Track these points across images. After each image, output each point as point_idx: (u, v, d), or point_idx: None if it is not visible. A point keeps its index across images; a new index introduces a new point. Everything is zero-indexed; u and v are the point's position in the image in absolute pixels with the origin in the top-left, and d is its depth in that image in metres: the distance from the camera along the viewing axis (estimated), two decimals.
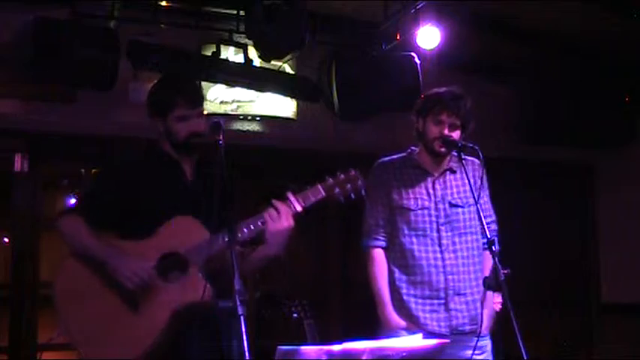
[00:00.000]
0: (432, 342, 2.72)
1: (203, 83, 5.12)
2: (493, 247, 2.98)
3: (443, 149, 3.43)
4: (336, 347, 2.29)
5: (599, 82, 5.79)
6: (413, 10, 4.70)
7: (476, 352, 3.31)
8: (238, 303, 2.43)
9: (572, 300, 6.75)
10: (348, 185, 2.94)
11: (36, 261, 5.10)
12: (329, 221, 5.90)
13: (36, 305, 5.07)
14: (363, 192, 2.99)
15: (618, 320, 6.42)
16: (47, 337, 5.09)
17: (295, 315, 4.40)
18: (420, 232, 3.45)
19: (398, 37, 4.95)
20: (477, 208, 3.16)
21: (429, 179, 3.51)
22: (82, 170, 5.48)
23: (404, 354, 2.40)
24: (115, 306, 2.85)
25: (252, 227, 2.87)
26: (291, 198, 2.91)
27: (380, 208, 3.52)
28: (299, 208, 2.89)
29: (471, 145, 3.32)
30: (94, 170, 5.45)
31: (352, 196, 2.97)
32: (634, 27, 5.14)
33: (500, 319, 3.43)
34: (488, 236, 3.03)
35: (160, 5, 4.77)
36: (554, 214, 6.65)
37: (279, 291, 6.04)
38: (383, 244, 3.53)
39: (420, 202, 3.47)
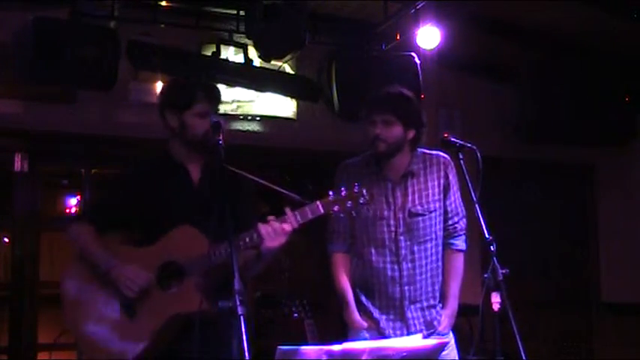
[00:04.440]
0: (432, 342, 2.72)
1: None
2: (491, 248, 2.97)
3: (380, 150, 3.36)
4: (336, 347, 2.29)
5: (599, 82, 5.79)
6: (413, 10, 4.70)
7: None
8: (238, 303, 2.43)
9: (572, 300, 6.75)
10: (349, 203, 2.93)
11: (36, 261, 5.10)
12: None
13: (36, 305, 5.07)
14: (365, 209, 3.01)
15: (618, 320, 6.42)
16: (47, 337, 5.11)
17: (295, 315, 4.40)
18: (378, 243, 3.39)
19: (398, 37, 4.95)
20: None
21: (389, 185, 3.42)
22: (82, 170, 5.48)
23: (404, 354, 2.40)
24: (114, 310, 2.96)
25: (247, 241, 2.90)
26: (289, 214, 2.92)
27: (341, 215, 3.48)
28: (295, 226, 2.91)
29: (469, 145, 3.31)
30: (94, 171, 5.45)
31: (354, 213, 2.99)
32: (634, 27, 5.15)
33: (500, 319, 3.43)
34: (487, 236, 3.02)
35: (160, 5, 4.78)
36: (554, 214, 6.65)
37: (279, 291, 6.04)
38: (343, 247, 3.50)
39: (378, 212, 3.39)
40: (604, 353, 6.48)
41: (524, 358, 2.78)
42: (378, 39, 5.09)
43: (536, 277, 6.38)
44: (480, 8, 5.09)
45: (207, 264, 2.80)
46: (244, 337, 2.38)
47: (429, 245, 3.41)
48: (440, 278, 3.45)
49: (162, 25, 4.76)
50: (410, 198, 3.40)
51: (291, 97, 5.44)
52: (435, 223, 3.43)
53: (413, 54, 4.94)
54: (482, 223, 3.08)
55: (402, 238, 3.39)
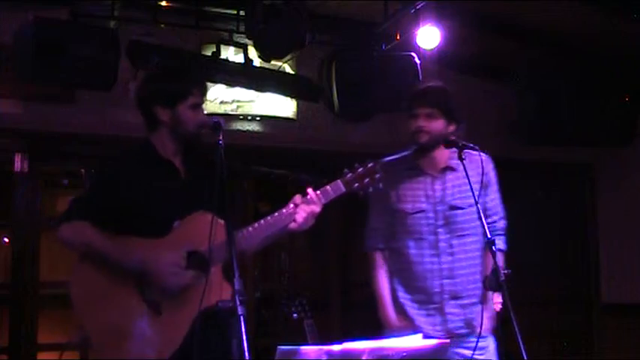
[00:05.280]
0: (432, 342, 2.72)
1: None
2: (493, 247, 2.97)
3: (422, 140, 3.40)
4: (336, 347, 2.29)
5: (599, 82, 5.79)
6: (413, 10, 4.69)
7: (476, 352, 3.30)
8: (238, 303, 2.43)
9: (572, 300, 6.75)
10: (367, 179, 2.97)
11: (36, 261, 5.10)
12: (329, 221, 5.91)
13: (36, 305, 5.07)
14: (380, 185, 3.00)
15: (618, 320, 6.42)
16: (47, 337, 5.11)
17: (295, 315, 4.40)
18: (416, 236, 3.42)
19: (398, 37, 4.95)
20: (477, 208, 3.14)
21: (428, 180, 3.47)
22: (82, 170, 5.48)
23: (404, 354, 2.40)
24: (137, 309, 2.81)
25: (274, 224, 2.90)
26: (312, 194, 2.93)
27: (379, 211, 3.51)
28: (319, 208, 2.93)
29: (471, 145, 3.32)
30: (93, 170, 5.45)
31: (370, 189, 2.99)
32: (634, 27, 5.14)
33: (500, 319, 3.43)
34: (489, 236, 3.02)
35: (160, 5, 4.77)
36: (554, 214, 6.65)
37: (279, 291, 6.04)
38: (382, 245, 3.53)
39: (416, 205, 3.43)
40: (604, 353, 6.48)
41: (525, 357, 2.78)
42: (378, 39, 5.09)
43: (536, 277, 6.37)
44: (480, 8, 5.09)
45: (230, 251, 2.63)
46: (244, 337, 2.38)
47: (468, 240, 3.40)
48: (481, 277, 3.41)
49: (163, 25, 4.75)
50: (449, 192, 3.41)
51: (291, 97, 5.43)
52: (475, 218, 3.39)
53: (413, 54, 4.94)
54: (484, 223, 3.09)
55: (440, 230, 3.40)
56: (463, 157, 3.27)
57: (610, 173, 6.64)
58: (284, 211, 2.93)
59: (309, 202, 2.93)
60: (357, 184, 2.96)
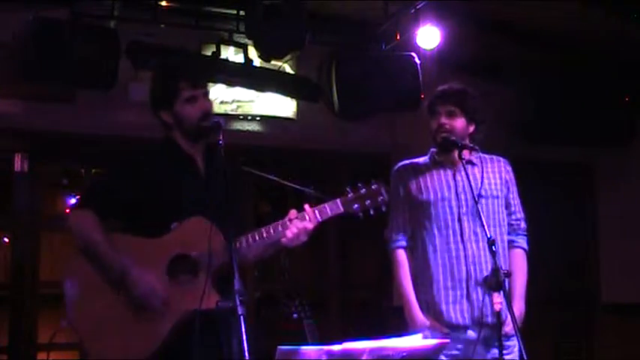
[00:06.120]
0: (432, 342, 2.72)
1: None
2: (493, 247, 2.97)
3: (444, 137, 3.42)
4: (336, 347, 2.29)
5: (599, 82, 5.79)
6: (413, 10, 4.70)
7: (503, 351, 3.28)
8: (238, 303, 2.43)
9: (572, 300, 6.75)
10: (368, 201, 2.91)
11: (36, 261, 5.10)
12: (328, 221, 5.90)
13: (36, 305, 5.07)
14: (383, 208, 2.95)
15: (618, 320, 6.42)
16: (47, 337, 5.11)
17: (295, 315, 4.40)
18: (441, 224, 3.42)
19: (398, 37, 4.95)
20: (476, 208, 3.14)
21: (449, 171, 3.48)
22: (82, 170, 5.48)
23: (404, 354, 2.39)
24: (122, 307, 2.83)
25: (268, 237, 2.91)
26: (309, 211, 2.92)
27: (401, 209, 3.52)
28: (315, 223, 2.92)
29: (470, 145, 3.32)
30: (94, 171, 5.45)
31: (371, 212, 2.93)
32: (634, 27, 5.15)
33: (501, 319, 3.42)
34: (488, 235, 3.02)
35: (160, 5, 4.77)
36: (554, 214, 6.64)
37: (279, 291, 6.04)
38: (404, 244, 3.54)
39: (439, 194, 3.44)
40: (604, 353, 6.48)
41: (525, 357, 2.78)
42: (378, 39, 5.09)
43: (536, 277, 6.36)
44: (480, 8, 5.09)
45: (221, 258, 2.69)
46: (244, 337, 2.38)
47: (492, 230, 3.38)
48: (507, 268, 3.40)
49: (163, 25, 4.75)
50: (473, 184, 3.38)
51: (291, 97, 5.44)
52: (498, 211, 3.46)
53: (413, 54, 4.94)
54: (484, 223, 3.08)
55: (465, 218, 3.41)
56: (462, 157, 3.27)
57: (610, 173, 6.64)
58: (278, 224, 2.92)
59: (302, 219, 2.91)
60: (356, 205, 2.90)
